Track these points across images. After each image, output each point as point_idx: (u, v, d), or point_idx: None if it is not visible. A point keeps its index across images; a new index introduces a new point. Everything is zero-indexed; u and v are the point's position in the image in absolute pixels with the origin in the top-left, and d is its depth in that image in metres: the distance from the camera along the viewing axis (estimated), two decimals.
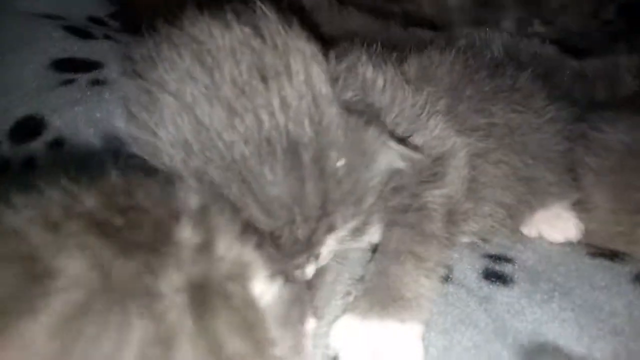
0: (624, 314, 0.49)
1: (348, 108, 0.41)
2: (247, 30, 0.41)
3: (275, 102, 0.38)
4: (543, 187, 0.57)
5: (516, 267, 0.54)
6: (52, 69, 0.74)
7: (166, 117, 0.40)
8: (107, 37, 0.89)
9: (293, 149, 0.38)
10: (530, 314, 0.48)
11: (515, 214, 0.56)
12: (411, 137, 0.48)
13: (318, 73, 0.41)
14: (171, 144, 0.40)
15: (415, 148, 0.44)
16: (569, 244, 0.59)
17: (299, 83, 0.40)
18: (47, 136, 0.60)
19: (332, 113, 0.40)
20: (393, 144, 0.43)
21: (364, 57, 0.51)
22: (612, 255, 0.56)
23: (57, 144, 0.60)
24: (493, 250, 0.56)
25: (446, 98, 0.53)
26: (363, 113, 0.41)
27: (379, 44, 0.55)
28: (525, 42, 0.73)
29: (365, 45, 0.55)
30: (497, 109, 0.55)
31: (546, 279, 0.52)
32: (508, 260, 0.55)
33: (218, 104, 0.39)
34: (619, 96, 0.72)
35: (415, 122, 0.50)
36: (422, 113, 0.51)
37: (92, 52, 0.80)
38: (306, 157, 0.38)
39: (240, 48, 0.40)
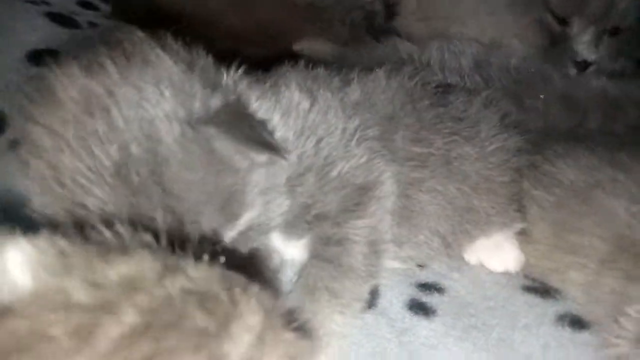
0: (538, 356, 0.49)
1: (206, 121, 0.42)
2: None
3: (102, 130, 0.40)
4: (483, 216, 0.57)
5: (445, 298, 0.55)
6: (27, 61, 0.76)
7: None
8: (91, 24, 0.90)
9: (121, 171, 0.40)
10: (444, 350, 0.49)
11: (452, 243, 0.57)
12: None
13: (167, 95, 0.42)
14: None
15: (276, 151, 0.44)
16: (507, 274, 0.59)
17: (128, 108, 0.41)
18: (9, 135, 0.62)
19: (171, 130, 0.41)
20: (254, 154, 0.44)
21: (290, 79, 0.52)
22: (545, 291, 0.56)
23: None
24: (427, 278, 0.57)
25: (383, 125, 0.53)
26: (223, 124, 0.42)
27: (323, 66, 0.56)
28: (497, 55, 0.72)
29: (309, 65, 0.56)
30: (437, 138, 0.55)
31: (470, 313, 0.53)
32: (439, 289, 0.56)
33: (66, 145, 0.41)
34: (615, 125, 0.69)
35: (340, 148, 0.51)
36: (351, 140, 0.51)
37: (69, 44, 0.81)
38: (135, 177, 0.40)
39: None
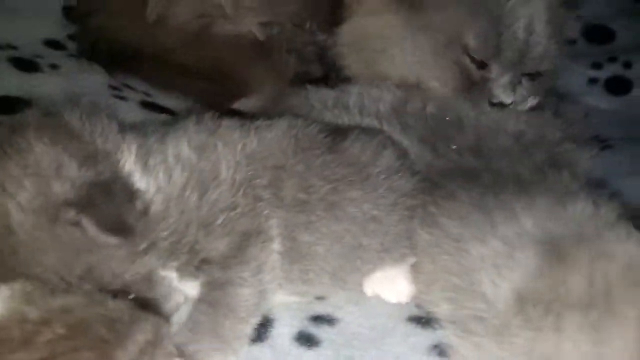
0: None
1: (70, 203, 0.49)
2: None
3: None
4: (373, 254, 0.63)
5: (334, 329, 0.60)
6: None
7: None
8: (53, 66, 0.98)
9: None
10: None
11: (344, 278, 0.63)
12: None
13: (27, 184, 0.50)
14: None
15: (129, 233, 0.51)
16: (399, 305, 0.65)
17: None
18: None
19: (23, 221, 0.49)
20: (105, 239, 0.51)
21: (182, 134, 0.59)
22: (427, 322, 0.61)
23: None
24: (322, 311, 0.62)
25: (273, 174, 0.60)
26: (85, 205, 0.49)
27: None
28: (415, 101, 0.77)
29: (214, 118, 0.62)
30: (324, 184, 0.61)
31: (353, 345, 0.58)
32: (330, 321, 0.61)
33: None
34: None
35: (227, 198, 0.57)
36: (239, 190, 0.58)
37: (26, 89, 0.88)
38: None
39: None
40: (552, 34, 0.79)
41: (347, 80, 0.87)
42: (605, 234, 0.54)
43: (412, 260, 0.65)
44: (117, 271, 0.51)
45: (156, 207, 0.56)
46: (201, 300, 0.55)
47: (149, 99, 0.96)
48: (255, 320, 0.57)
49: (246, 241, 0.56)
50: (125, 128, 0.60)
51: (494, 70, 0.79)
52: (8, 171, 0.50)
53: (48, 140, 0.52)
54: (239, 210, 0.57)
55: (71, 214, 0.49)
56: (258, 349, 0.57)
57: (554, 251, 0.53)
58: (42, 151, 0.51)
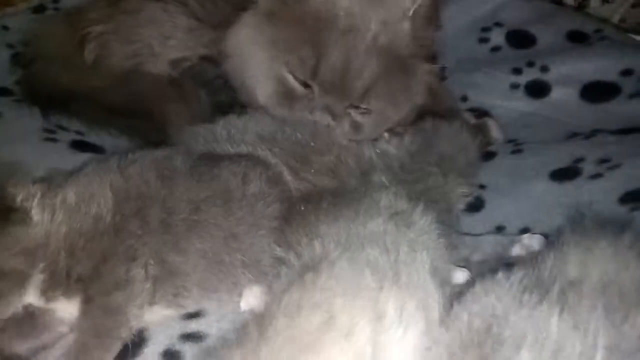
0: None
1: None
2: None
3: None
4: (234, 269, 0.70)
5: (199, 346, 0.65)
6: None
7: None
8: None
9: None
10: None
11: (211, 291, 0.70)
12: None
13: None
14: None
15: None
16: None
17: None
18: None
19: None
20: None
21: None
22: None
23: None
24: (195, 328, 0.67)
25: (136, 204, 0.69)
26: None
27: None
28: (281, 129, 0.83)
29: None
30: (184, 207, 0.69)
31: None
32: (198, 338, 0.66)
33: None
34: None
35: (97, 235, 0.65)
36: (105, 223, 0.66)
37: None
38: None
39: None
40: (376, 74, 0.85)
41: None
42: None
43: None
44: None
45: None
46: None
47: (80, 138, 1.04)
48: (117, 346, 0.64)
49: (109, 263, 0.64)
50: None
51: (315, 91, 0.86)
52: None
53: None
54: (105, 237, 0.65)
55: None
56: None
57: None
58: None
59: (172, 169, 0.71)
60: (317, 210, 0.68)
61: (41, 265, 0.64)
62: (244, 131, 0.81)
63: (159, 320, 0.68)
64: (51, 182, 0.70)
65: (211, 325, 0.69)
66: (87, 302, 0.63)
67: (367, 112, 0.89)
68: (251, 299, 0.71)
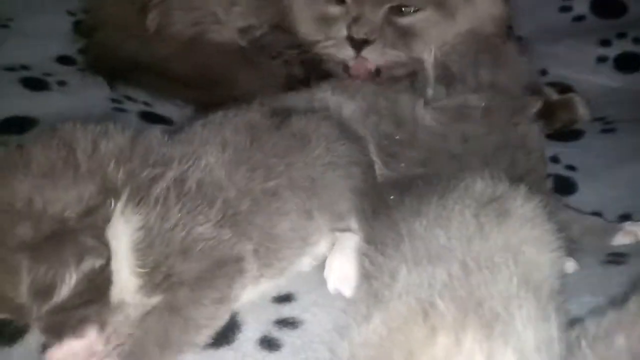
0: None
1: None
2: None
3: None
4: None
5: (297, 332, 0.62)
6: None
7: None
8: (61, 83, 1.05)
9: None
10: None
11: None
12: None
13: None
14: None
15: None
16: None
17: None
18: None
19: None
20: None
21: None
22: None
23: None
24: (288, 314, 0.64)
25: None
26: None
27: None
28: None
29: None
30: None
31: (312, 348, 0.60)
32: (293, 324, 0.63)
33: None
34: None
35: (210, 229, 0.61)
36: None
37: (34, 108, 0.96)
38: None
39: None
40: None
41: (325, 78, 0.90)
42: None
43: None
44: None
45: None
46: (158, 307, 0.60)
47: (148, 109, 1.02)
48: (210, 331, 0.61)
49: (221, 269, 0.60)
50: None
51: (349, 2, 0.86)
52: None
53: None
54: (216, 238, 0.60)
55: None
56: (223, 352, 0.61)
57: None
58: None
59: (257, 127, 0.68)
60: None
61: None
62: (340, 107, 0.77)
63: (250, 304, 0.66)
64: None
65: (306, 310, 0.66)
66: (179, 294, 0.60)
67: (414, 10, 0.84)
68: (337, 281, 0.68)
